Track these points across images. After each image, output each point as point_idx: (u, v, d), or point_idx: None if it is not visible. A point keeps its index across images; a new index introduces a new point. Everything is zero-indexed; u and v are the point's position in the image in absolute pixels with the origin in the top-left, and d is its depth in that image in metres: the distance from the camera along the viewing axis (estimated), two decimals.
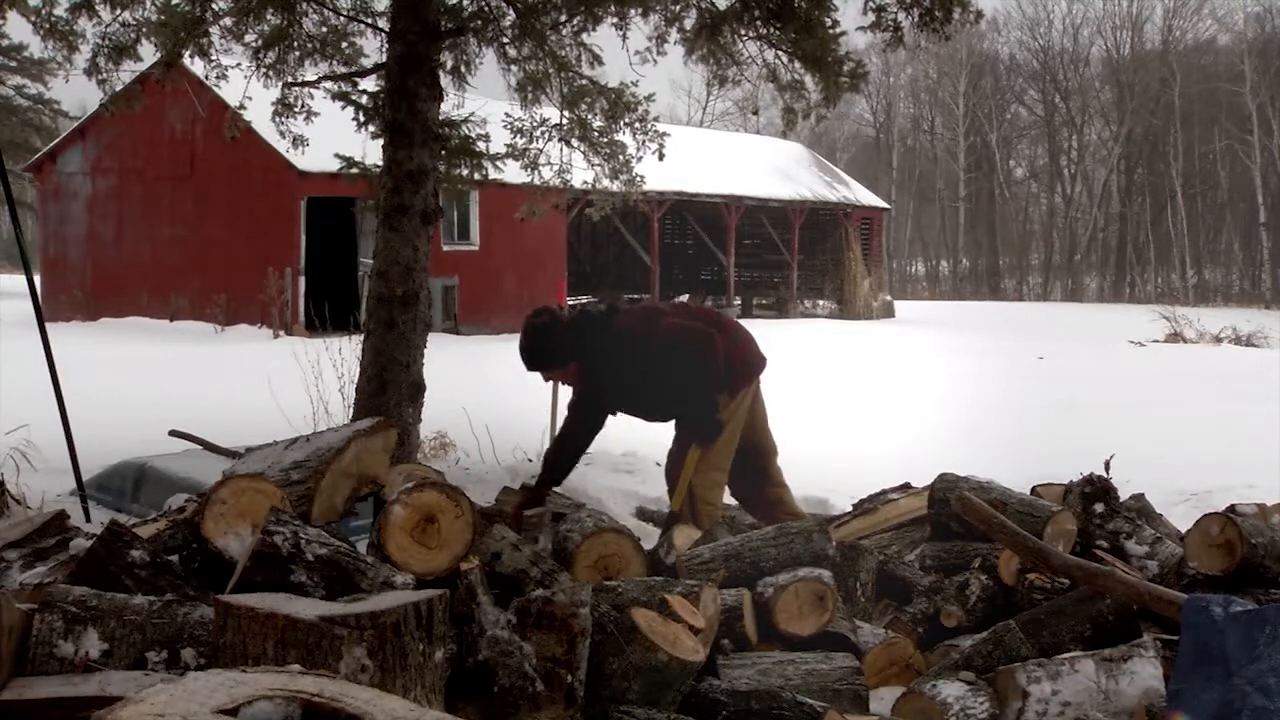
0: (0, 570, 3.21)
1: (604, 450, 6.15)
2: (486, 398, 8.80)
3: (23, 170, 25.35)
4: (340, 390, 7.49)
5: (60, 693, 2.56)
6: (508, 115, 8.17)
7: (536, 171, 8.41)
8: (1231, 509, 4.59)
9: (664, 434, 5.05)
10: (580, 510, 4.29)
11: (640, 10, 6.64)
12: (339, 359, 7.60)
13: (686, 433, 4.89)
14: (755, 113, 42.62)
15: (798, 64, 6.86)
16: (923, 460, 6.35)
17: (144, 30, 7.02)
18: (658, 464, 5.65)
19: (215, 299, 20.31)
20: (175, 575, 3.14)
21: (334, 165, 9.05)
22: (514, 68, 7.50)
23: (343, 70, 7.53)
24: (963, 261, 54.32)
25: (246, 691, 1.88)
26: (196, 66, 7.70)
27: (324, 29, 7.45)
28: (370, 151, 7.61)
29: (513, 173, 8.71)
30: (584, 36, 7.27)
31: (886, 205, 37.02)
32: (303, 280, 19.95)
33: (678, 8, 6.77)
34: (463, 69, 7.41)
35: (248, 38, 7.22)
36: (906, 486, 5.11)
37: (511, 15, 6.97)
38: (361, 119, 7.65)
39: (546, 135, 8.17)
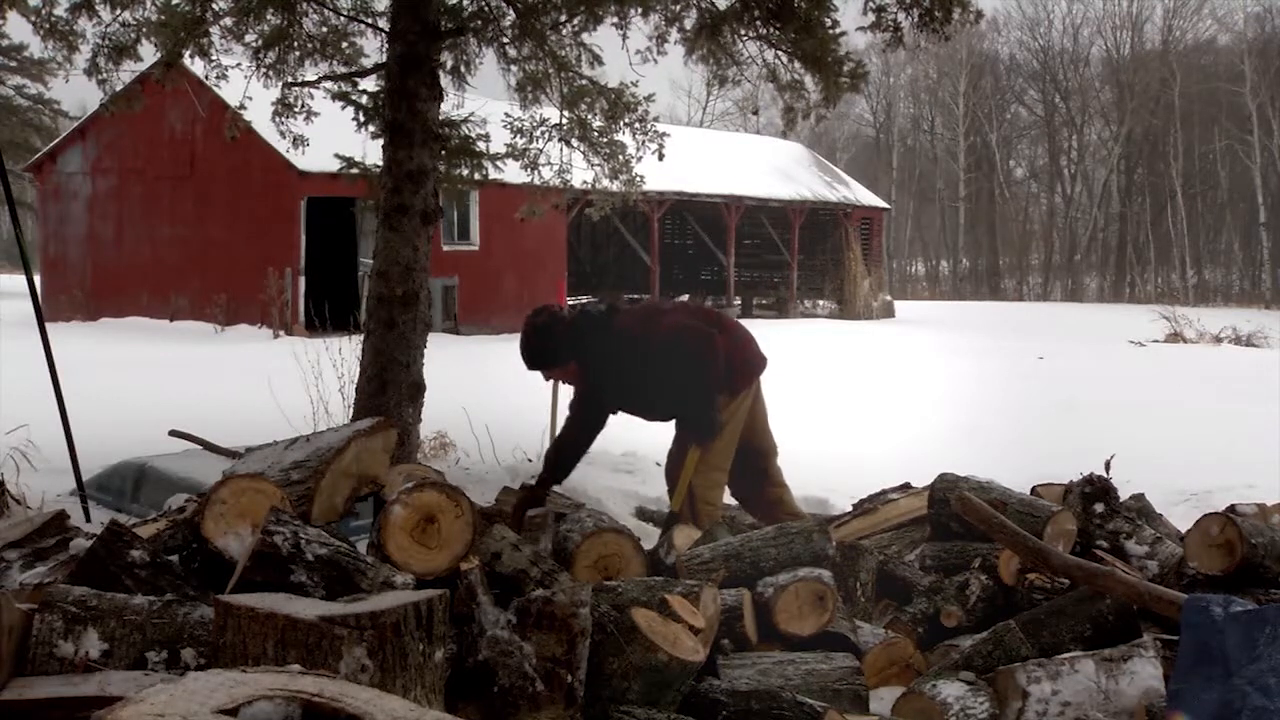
0: (0, 570, 3.21)
1: (604, 450, 6.15)
2: (486, 398, 8.80)
3: (23, 170, 25.35)
4: (340, 390, 7.49)
5: (60, 693, 2.56)
6: (508, 115, 8.17)
7: (536, 171, 8.41)
8: (1231, 509, 4.59)
9: (664, 434, 5.05)
10: (580, 510, 4.30)
11: (640, 10, 6.64)
12: (339, 359, 7.60)
13: (686, 432, 4.89)
14: (755, 113, 42.66)
15: (798, 64, 6.86)
16: (923, 460, 6.35)
17: (144, 30, 7.02)
18: (658, 464, 5.65)
19: (215, 299, 20.31)
20: (175, 575, 3.14)
21: (334, 165, 9.05)
22: (514, 68, 7.50)
23: (343, 70, 7.53)
24: (963, 261, 54.33)
25: (246, 691, 1.88)
26: (196, 66, 7.70)
27: (324, 29, 7.45)
28: (370, 151, 7.62)
29: (513, 173, 8.72)
30: (584, 36, 7.28)
31: (886, 205, 37.02)
32: (303, 280, 19.95)
33: (678, 7, 6.77)
34: (463, 69, 7.42)
35: (248, 38, 7.22)
36: (906, 486, 5.11)
37: (511, 15, 6.98)
38: (361, 119, 7.65)
39: (546, 135, 8.17)
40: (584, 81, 7.72)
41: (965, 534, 4.43)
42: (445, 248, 20.95)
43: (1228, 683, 2.86)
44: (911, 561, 4.51)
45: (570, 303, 19.49)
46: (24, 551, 3.29)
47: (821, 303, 30.71)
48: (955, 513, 4.22)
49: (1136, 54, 49.92)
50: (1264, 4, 49.76)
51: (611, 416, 5.01)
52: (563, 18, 6.93)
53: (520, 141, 8.19)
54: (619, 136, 8.22)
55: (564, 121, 8.04)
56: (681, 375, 4.72)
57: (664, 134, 8.18)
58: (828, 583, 3.64)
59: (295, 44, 7.28)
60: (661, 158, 8.19)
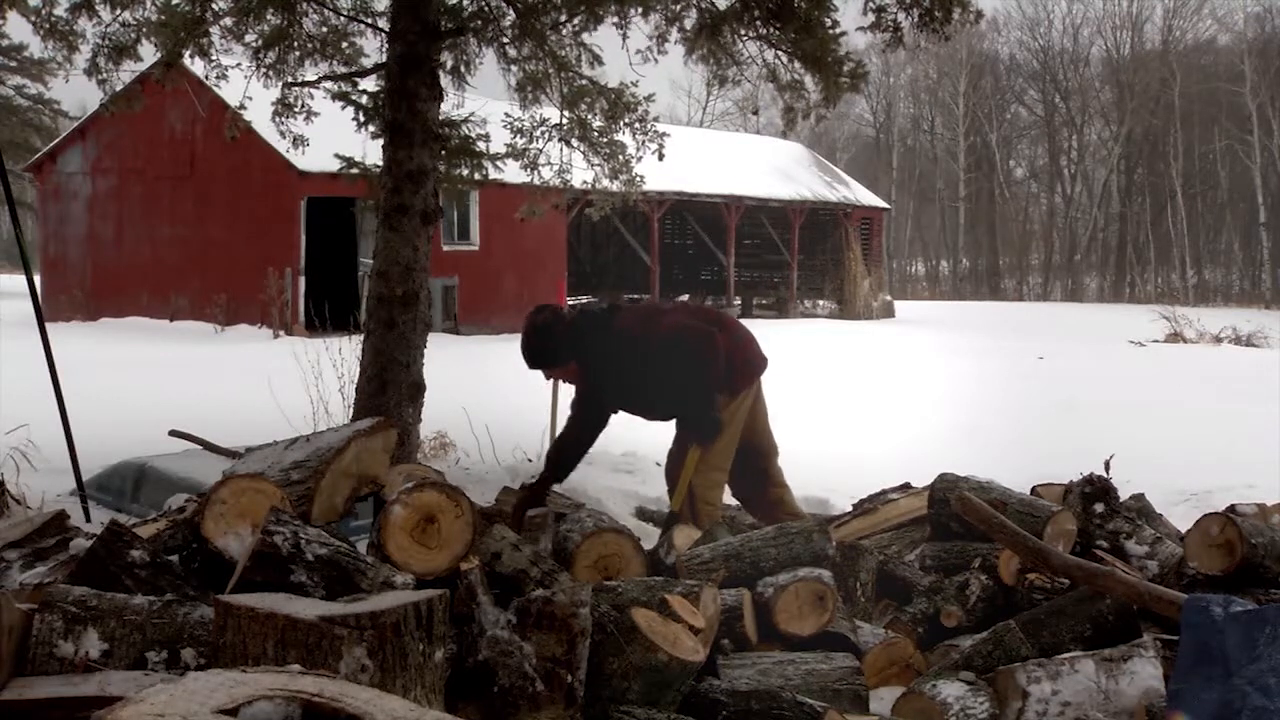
0: (0, 570, 3.21)
1: (604, 450, 6.15)
2: (486, 398, 8.80)
3: (23, 170, 25.34)
4: (340, 390, 7.49)
5: (60, 693, 2.56)
6: (508, 115, 8.17)
7: (536, 171, 8.41)
8: (1231, 509, 4.59)
9: (664, 434, 5.05)
10: (580, 510, 4.30)
11: (640, 10, 6.64)
12: (339, 359, 7.60)
13: (687, 432, 4.89)
14: (755, 113, 42.66)
15: (798, 64, 6.86)
16: (923, 460, 6.35)
17: (144, 30, 7.02)
18: (658, 464, 5.65)
19: (215, 299, 20.31)
20: (175, 575, 3.14)
21: (334, 165, 9.05)
22: (514, 68, 7.50)
23: (343, 70, 7.53)
24: (963, 261, 54.33)
25: (246, 691, 1.88)
26: (196, 66, 7.70)
27: (324, 29, 7.45)
28: (370, 151, 7.62)
29: (513, 173, 8.72)
30: (584, 36, 7.28)
31: (886, 205, 37.02)
32: (303, 280, 19.95)
33: (678, 7, 6.77)
34: (463, 69, 7.42)
35: (248, 38, 7.22)
36: (906, 486, 5.11)
37: (511, 15, 6.97)
38: (361, 119, 7.65)
39: (546, 135, 8.17)
40: (584, 81, 7.72)
41: (965, 534, 4.43)
42: (445, 248, 20.95)
43: (1228, 683, 2.86)
44: (911, 561, 4.51)
45: (570, 303, 19.51)
46: (24, 551, 3.29)
47: (821, 303, 30.71)
48: (955, 513, 4.22)
49: (1136, 54, 49.92)
50: (1264, 4, 49.82)
51: (612, 416, 5.01)
52: (563, 18, 6.93)
53: (520, 141, 8.19)
54: (619, 136, 8.22)
55: (564, 121, 8.04)
56: (682, 375, 4.72)
57: (664, 134, 8.18)
58: (828, 583, 3.64)
59: (295, 44, 7.28)
60: (661, 158, 8.19)
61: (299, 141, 7.94)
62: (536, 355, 4.86)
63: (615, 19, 6.77)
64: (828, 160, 38.10)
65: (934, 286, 53.27)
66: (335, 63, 7.54)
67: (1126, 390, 13.05)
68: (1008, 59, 54.59)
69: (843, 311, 29.30)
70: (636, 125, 8.02)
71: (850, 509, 5.15)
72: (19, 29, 39.90)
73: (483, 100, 8.84)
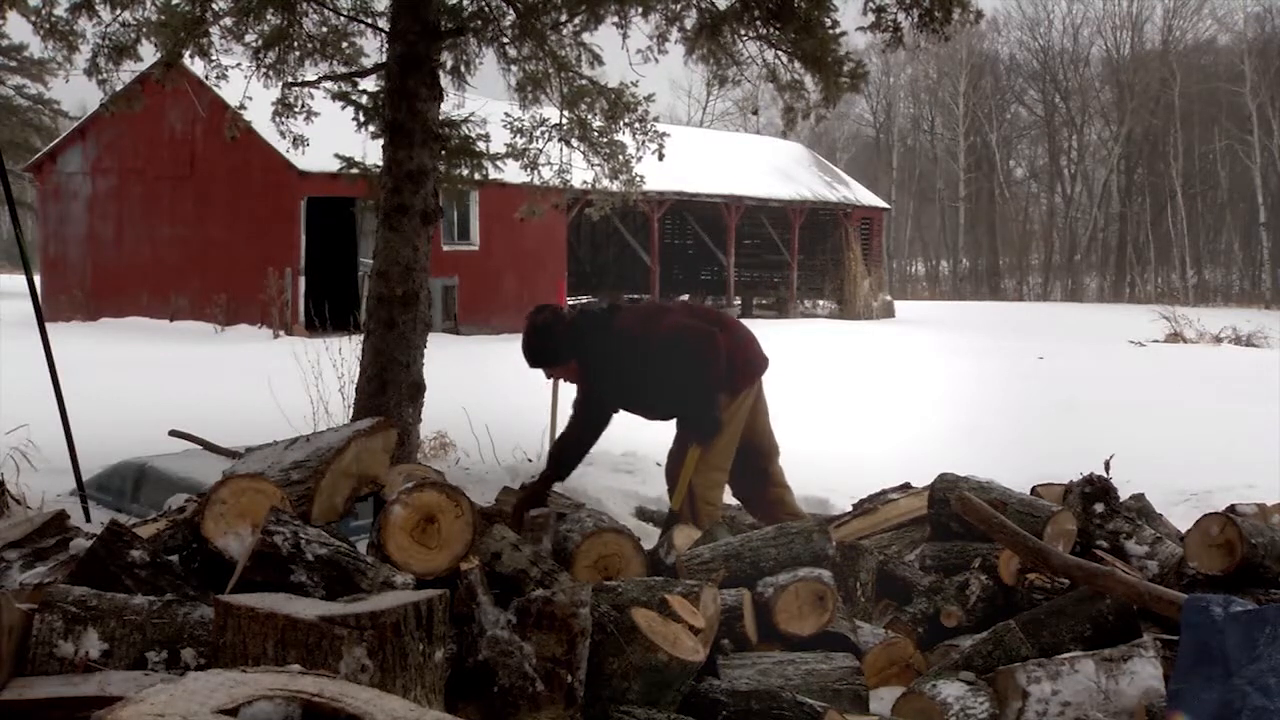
0: (0, 570, 3.21)
1: (604, 450, 6.15)
2: (486, 398, 8.80)
3: (23, 170, 25.34)
4: (340, 390, 7.49)
5: (60, 693, 2.56)
6: (508, 115, 8.17)
7: (536, 171, 8.41)
8: (1231, 509, 4.59)
9: (664, 434, 5.05)
10: (580, 510, 4.30)
11: (641, 10, 6.64)
12: (339, 359, 7.60)
13: (687, 432, 4.89)
14: (755, 113, 42.66)
15: (798, 64, 6.86)
16: (923, 460, 6.35)
17: (144, 30, 7.02)
18: (658, 464, 5.65)
19: (215, 299, 20.31)
20: (175, 575, 3.14)
21: (334, 165, 9.05)
22: (514, 68, 7.50)
23: (343, 70, 7.53)
24: (963, 261, 54.33)
25: (246, 691, 1.88)
26: (196, 66, 7.70)
27: (324, 29, 7.44)
28: (370, 151, 7.62)
29: (513, 173, 8.72)
30: (584, 36, 7.28)
31: (886, 205, 37.02)
32: (303, 280, 19.95)
33: (678, 7, 6.77)
34: (463, 69, 7.42)
35: (248, 38, 7.22)
36: (906, 486, 5.11)
37: (511, 15, 6.98)
38: (361, 119, 7.65)
39: (546, 135, 8.17)
40: (584, 81, 7.72)
41: (965, 534, 4.43)
42: (445, 248, 20.95)
43: (1228, 683, 2.86)
44: (911, 561, 4.51)
45: (570, 302, 19.51)
46: (24, 551, 3.29)
47: (821, 303, 30.71)
48: (955, 513, 4.22)
49: (1136, 54, 49.92)
50: (1264, 4, 49.82)
51: (614, 416, 5.01)
52: (563, 18, 6.93)
53: (520, 141, 8.19)
54: (619, 136, 8.22)
55: (564, 121, 8.04)
56: (682, 374, 4.72)
57: (664, 134, 8.18)
58: (828, 583, 3.64)
59: (295, 44, 7.28)
60: (661, 158, 8.19)
61: (299, 141, 7.94)
62: (537, 354, 4.86)
63: (615, 19, 6.77)
64: (828, 160, 38.10)
65: (934, 286, 53.27)
66: (335, 63, 7.54)
67: (1126, 390, 13.05)
68: (1008, 59, 54.66)
69: (843, 311, 29.30)
70: (636, 125, 8.02)
71: (850, 509, 5.14)
72: (19, 29, 39.93)
73: (483, 100, 8.84)
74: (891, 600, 4.25)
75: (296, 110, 7.80)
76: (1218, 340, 20.98)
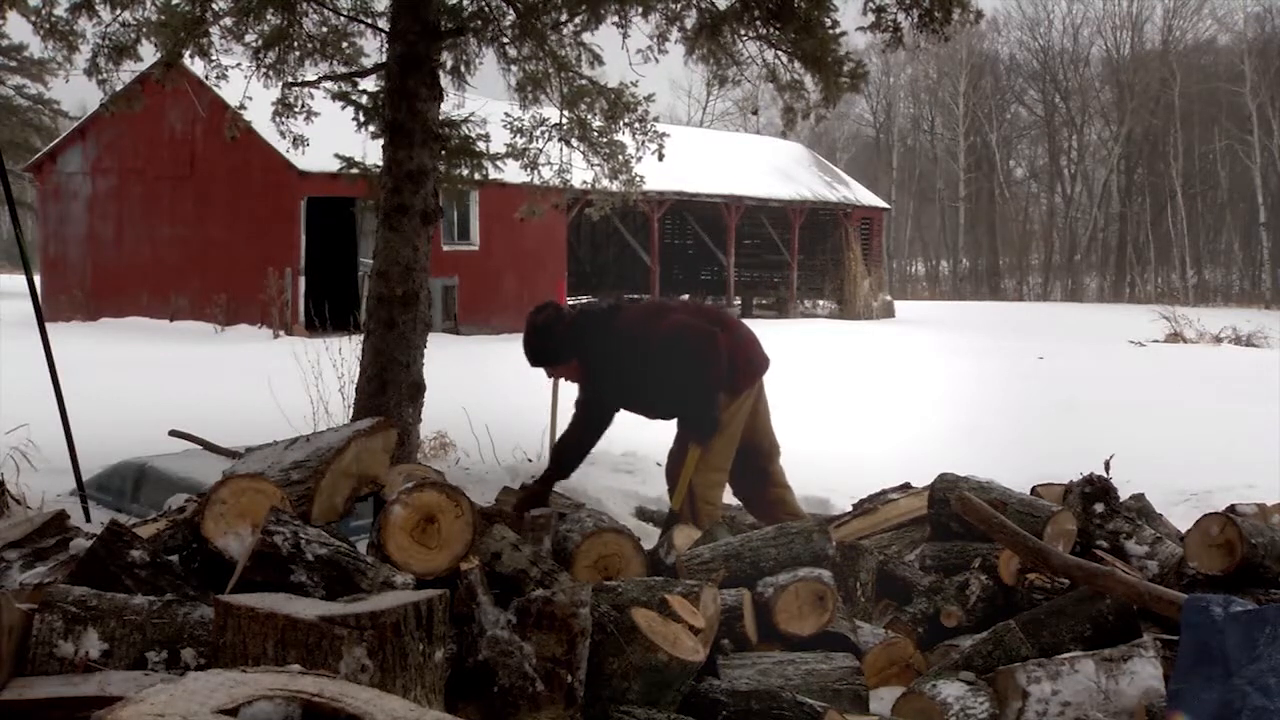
0: (0, 570, 3.21)
1: (604, 450, 6.15)
2: (486, 398, 8.80)
3: (23, 170, 25.34)
4: (340, 390, 7.49)
5: (60, 693, 2.56)
6: (508, 115, 8.17)
7: (536, 171, 8.41)
8: (1231, 509, 4.59)
9: (664, 434, 5.05)
10: (580, 510, 4.30)
11: (641, 10, 6.64)
12: (339, 359, 7.60)
13: (687, 431, 4.89)
14: (755, 113, 42.66)
15: (798, 64, 6.86)
16: (923, 460, 6.35)
17: (144, 30, 7.02)
18: (658, 464, 5.65)
19: (215, 299, 20.31)
20: (175, 575, 3.14)
21: (334, 165, 9.05)
22: (514, 68, 7.50)
23: (343, 70, 7.53)
24: (963, 261, 54.33)
25: (246, 691, 1.88)
26: (196, 66, 7.70)
27: (324, 29, 7.44)
28: (370, 151, 7.61)
29: (513, 173, 8.72)
30: (584, 36, 7.28)
31: (886, 205, 37.02)
32: (303, 280, 19.95)
33: (678, 7, 6.77)
34: (463, 69, 7.42)
35: (248, 38, 7.22)
36: (906, 486, 5.10)
37: (511, 15, 6.97)
38: (361, 119, 7.65)
39: (546, 135, 8.17)
40: (584, 81, 7.72)
41: (965, 534, 4.43)
42: (445, 248, 20.95)
43: (1228, 683, 2.86)
44: (911, 561, 4.51)
45: (570, 302, 19.50)
46: (24, 551, 3.29)
47: (821, 303, 30.71)
48: (955, 513, 4.21)
49: (1136, 54, 49.92)
50: (1264, 4, 49.81)
51: (616, 415, 5.01)
52: (563, 18, 6.93)
53: (520, 141, 8.19)
54: (619, 136, 8.22)
55: (564, 121, 8.04)
56: (682, 374, 4.72)
57: (664, 134, 8.18)
58: (828, 583, 3.64)
59: (295, 44, 7.28)
60: (661, 158, 8.19)
61: (299, 141, 7.94)
62: (538, 353, 4.86)
63: (615, 19, 6.77)
64: (828, 160, 38.10)
65: (934, 286, 53.27)
66: (335, 63, 7.54)
67: (1126, 390, 13.05)
68: (1008, 59, 54.66)
69: (843, 311, 29.30)
70: (636, 125, 8.02)
71: (850, 509, 5.14)
72: (19, 29, 39.94)
73: (483, 100, 8.84)
74: (891, 600, 4.25)
75: (296, 110, 7.80)
76: (1218, 340, 20.98)
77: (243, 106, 8.30)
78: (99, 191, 23.07)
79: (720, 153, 29.63)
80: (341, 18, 7.40)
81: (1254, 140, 44.39)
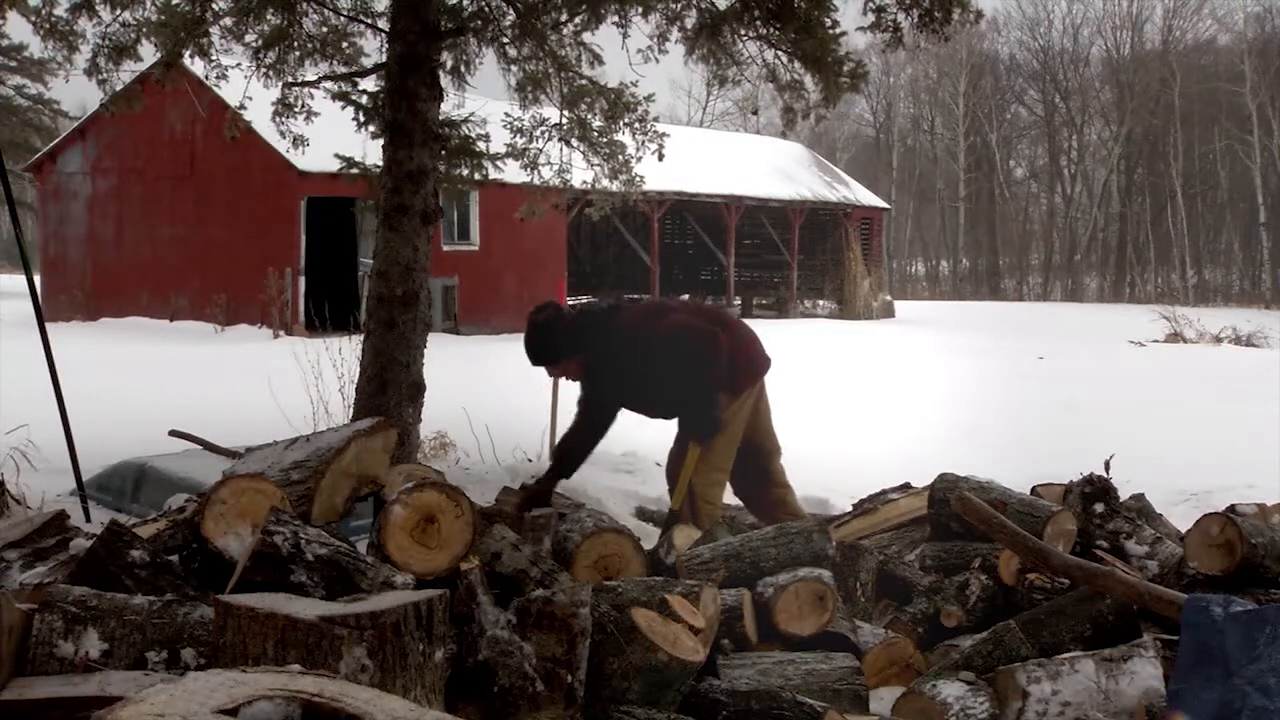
0: (0, 570, 3.21)
1: (604, 450, 6.14)
2: (486, 398, 8.80)
3: (23, 170, 25.34)
4: (340, 390, 7.49)
5: (60, 693, 2.56)
6: (508, 115, 8.17)
7: (536, 171, 8.41)
8: (1231, 509, 4.59)
9: (664, 434, 5.05)
10: (580, 510, 4.29)
11: (641, 10, 6.64)
12: (339, 359, 7.60)
13: (687, 431, 4.89)
14: (755, 113, 42.66)
15: (798, 64, 6.86)
16: (923, 460, 6.34)
17: (144, 30, 7.02)
18: (658, 464, 5.65)
19: (215, 299, 20.31)
20: (175, 575, 3.14)
21: (334, 165, 9.05)
22: (514, 68, 7.50)
23: (343, 70, 7.53)
24: (963, 261, 54.32)
25: (246, 691, 1.88)
26: (196, 66, 7.70)
27: (324, 29, 7.44)
28: (370, 151, 7.62)
29: (513, 173, 8.72)
30: (584, 36, 7.28)
31: (886, 205, 37.02)
32: (303, 280, 19.95)
33: (678, 7, 6.77)
34: (463, 69, 7.42)
35: (248, 38, 7.22)
36: (906, 486, 5.10)
37: (511, 15, 6.97)
38: (361, 119, 7.65)
39: (546, 135, 8.17)
40: (584, 81, 7.72)
41: (965, 534, 4.43)
42: (445, 248, 20.95)
43: (1228, 683, 2.86)
44: (911, 561, 4.51)
45: (570, 302, 19.49)
46: (24, 551, 3.29)
47: (821, 303, 30.71)
48: (955, 513, 4.21)
49: (1136, 54, 49.92)
50: (1264, 4, 49.81)
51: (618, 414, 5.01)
52: (563, 18, 6.93)
53: (520, 141, 8.19)
54: (619, 136, 8.22)
55: (564, 121, 8.04)
56: (682, 373, 4.72)
57: (664, 134, 8.18)
58: (828, 583, 3.64)
59: (295, 44, 7.28)
60: (661, 158, 8.19)
61: (299, 141, 7.94)
62: (538, 352, 4.87)
63: (615, 19, 6.77)
64: (828, 160, 38.10)
65: (934, 286, 53.27)
66: (335, 63, 7.54)
67: (1126, 390, 13.05)
68: (1008, 59, 54.65)
69: (843, 311, 29.30)
70: (636, 125, 8.02)
71: (850, 509, 5.14)
72: (19, 29, 39.93)
73: (483, 100, 8.84)
74: (891, 600, 4.25)
75: (296, 110, 7.80)
76: (1218, 340, 20.99)
77: (243, 106, 8.30)
78: (99, 191, 23.07)
79: (720, 153, 29.63)
80: (341, 18, 7.40)
81: (1254, 140, 44.40)
